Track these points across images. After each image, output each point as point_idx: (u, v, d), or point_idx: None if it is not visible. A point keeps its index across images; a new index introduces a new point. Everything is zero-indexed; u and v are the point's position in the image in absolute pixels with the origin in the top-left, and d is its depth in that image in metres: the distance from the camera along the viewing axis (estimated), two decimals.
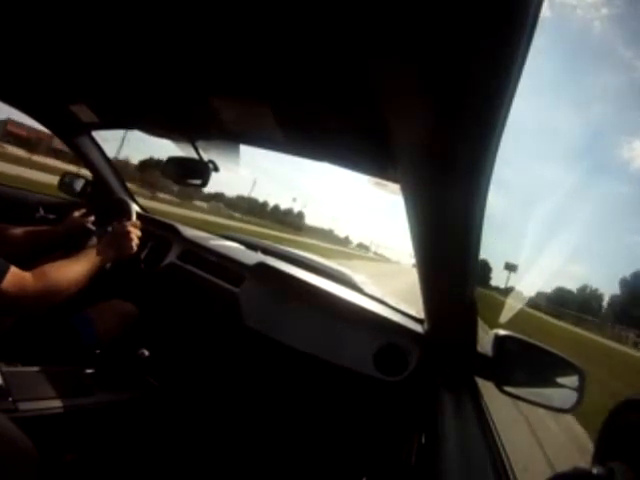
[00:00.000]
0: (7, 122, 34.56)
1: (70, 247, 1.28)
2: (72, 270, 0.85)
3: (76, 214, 1.27)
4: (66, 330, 0.98)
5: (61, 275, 0.82)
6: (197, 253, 1.31)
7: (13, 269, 0.74)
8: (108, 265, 1.25)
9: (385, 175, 0.83)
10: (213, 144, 1.16)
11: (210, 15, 0.56)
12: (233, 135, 1.06)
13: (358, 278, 1.31)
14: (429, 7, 0.25)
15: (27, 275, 0.76)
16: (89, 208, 1.47)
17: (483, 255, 0.54)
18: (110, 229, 1.15)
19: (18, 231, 1.14)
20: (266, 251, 1.41)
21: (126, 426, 0.96)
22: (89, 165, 1.61)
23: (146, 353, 1.08)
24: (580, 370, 0.78)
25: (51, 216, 1.60)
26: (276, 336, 1.04)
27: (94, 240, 1.27)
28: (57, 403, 0.80)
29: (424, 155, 0.43)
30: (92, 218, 1.30)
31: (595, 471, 0.30)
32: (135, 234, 1.04)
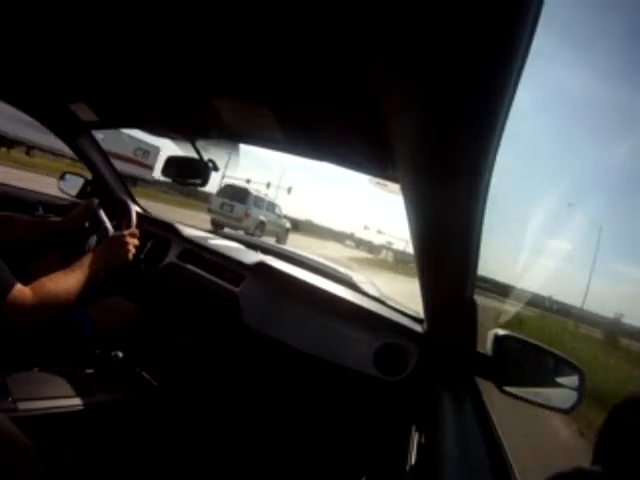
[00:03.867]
0: None
1: (73, 240, 1.27)
2: (69, 281, 0.86)
3: (84, 203, 1.25)
4: (67, 325, 0.98)
5: (59, 287, 0.84)
6: (197, 253, 1.31)
7: (17, 285, 0.75)
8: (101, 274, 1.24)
9: (385, 175, 0.83)
10: (213, 144, 1.16)
11: (210, 14, 0.56)
12: (233, 135, 1.06)
13: (358, 278, 1.31)
14: (429, 7, 0.25)
15: (27, 290, 0.77)
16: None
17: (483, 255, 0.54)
18: (111, 231, 1.15)
19: (26, 221, 1.15)
20: (266, 251, 1.41)
21: (126, 426, 0.97)
22: (89, 165, 1.60)
23: (120, 355, 1.08)
24: (580, 370, 0.78)
25: (50, 216, 1.60)
26: (276, 335, 1.04)
27: (93, 239, 1.27)
28: (57, 403, 0.81)
29: (424, 155, 0.43)
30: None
31: (595, 470, 0.30)
32: (132, 243, 1.04)
